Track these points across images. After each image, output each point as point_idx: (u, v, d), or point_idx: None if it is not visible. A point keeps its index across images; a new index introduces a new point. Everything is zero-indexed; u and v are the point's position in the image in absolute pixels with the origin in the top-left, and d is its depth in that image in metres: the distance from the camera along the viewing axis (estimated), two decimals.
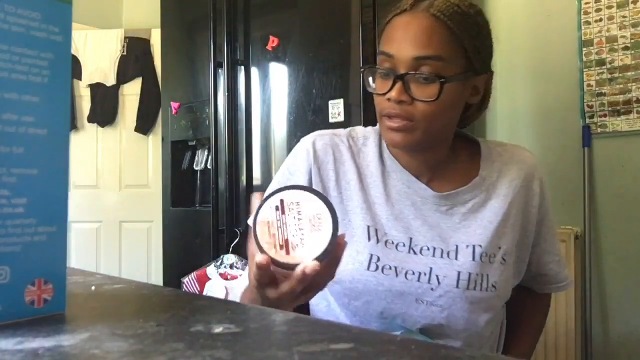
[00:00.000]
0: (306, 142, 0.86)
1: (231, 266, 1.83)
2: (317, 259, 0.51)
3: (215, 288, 1.84)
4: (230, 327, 0.35)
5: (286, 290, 0.55)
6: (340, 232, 0.55)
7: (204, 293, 1.84)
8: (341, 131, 0.89)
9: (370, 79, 0.80)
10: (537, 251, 0.91)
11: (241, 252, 1.96)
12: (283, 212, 0.53)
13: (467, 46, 0.76)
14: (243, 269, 1.81)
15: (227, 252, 1.91)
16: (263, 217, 0.53)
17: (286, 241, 0.52)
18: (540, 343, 1.91)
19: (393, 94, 0.74)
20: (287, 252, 0.52)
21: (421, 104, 0.74)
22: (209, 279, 1.86)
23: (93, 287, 0.49)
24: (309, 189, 0.55)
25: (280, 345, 0.32)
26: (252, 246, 0.55)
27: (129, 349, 0.31)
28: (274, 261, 0.52)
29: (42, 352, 0.30)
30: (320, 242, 0.52)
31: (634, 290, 1.88)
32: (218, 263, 1.86)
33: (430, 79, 0.73)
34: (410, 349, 0.31)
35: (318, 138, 0.86)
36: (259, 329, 0.35)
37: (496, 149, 0.89)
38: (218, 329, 0.34)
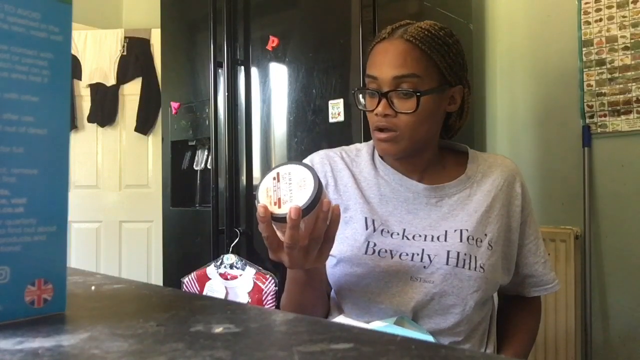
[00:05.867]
0: (305, 161, 0.97)
1: (231, 266, 1.83)
2: (303, 208, 0.65)
3: (215, 288, 1.84)
4: (230, 327, 0.35)
5: (287, 240, 0.67)
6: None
7: (204, 293, 1.84)
8: (334, 149, 1.02)
9: (361, 98, 0.93)
10: (523, 252, 0.98)
11: (241, 252, 1.96)
12: (278, 181, 0.68)
13: (439, 63, 0.88)
14: (243, 269, 1.81)
15: (227, 252, 1.90)
16: (263, 186, 0.69)
17: (279, 199, 0.67)
18: (540, 343, 1.91)
19: (379, 109, 0.87)
20: (279, 207, 0.67)
21: (404, 116, 0.86)
22: (209, 279, 1.86)
23: (93, 287, 0.49)
24: (300, 162, 0.70)
25: (280, 345, 0.32)
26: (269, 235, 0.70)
27: (129, 349, 0.30)
28: (272, 216, 0.67)
29: (42, 352, 0.30)
30: (305, 196, 0.66)
31: (634, 290, 1.88)
32: (218, 263, 1.86)
33: (409, 94, 0.86)
34: (410, 349, 0.31)
35: (315, 155, 1.00)
36: (259, 329, 0.35)
37: (482, 156, 1.00)
38: (218, 329, 0.34)
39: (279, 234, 0.70)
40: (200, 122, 2.18)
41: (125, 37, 3.01)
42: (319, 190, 0.67)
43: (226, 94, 2.01)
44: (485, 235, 0.90)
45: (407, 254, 0.88)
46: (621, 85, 1.89)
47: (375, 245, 0.89)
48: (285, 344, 0.33)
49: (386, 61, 0.87)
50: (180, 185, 2.34)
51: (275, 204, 0.67)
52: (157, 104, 2.76)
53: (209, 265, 1.88)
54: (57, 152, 0.38)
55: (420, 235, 0.90)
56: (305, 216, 0.66)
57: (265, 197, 0.68)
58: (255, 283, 1.77)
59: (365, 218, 0.91)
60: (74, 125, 3.01)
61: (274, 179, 0.69)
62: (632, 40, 1.86)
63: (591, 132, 1.96)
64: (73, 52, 2.90)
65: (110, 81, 3.02)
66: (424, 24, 0.90)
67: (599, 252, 1.95)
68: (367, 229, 0.91)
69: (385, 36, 0.90)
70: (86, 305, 0.43)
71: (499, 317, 1.05)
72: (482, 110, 2.26)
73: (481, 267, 0.87)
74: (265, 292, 1.75)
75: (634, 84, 1.86)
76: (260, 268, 1.80)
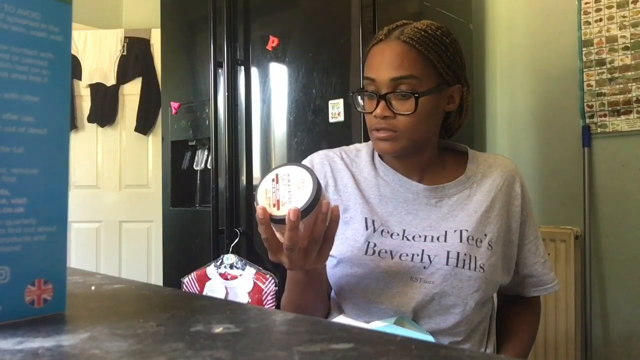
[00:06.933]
0: (305, 161, 0.99)
1: (231, 266, 1.83)
2: (302, 210, 0.65)
3: (215, 288, 1.84)
4: (230, 327, 0.35)
5: (287, 242, 0.67)
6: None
7: (204, 293, 1.84)
8: (334, 149, 1.02)
9: (360, 100, 0.93)
10: (522, 252, 0.98)
11: (241, 252, 1.96)
12: (277, 182, 0.68)
13: (436, 63, 0.87)
14: (243, 269, 1.81)
15: (227, 252, 1.90)
16: (262, 187, 0.69)
17: (278, 201, 0.67)
18: (540, 343, 1.91)
19: (378, 111, 0.87)
20: (278, 209, 0.67)
21: (402, 117, 0.86)
22: (209, 279, 1.86)
23: (93, 287, 0.49)
24: (298, 164, 0.70)
25: (280, 345, 0.32)
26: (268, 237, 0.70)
27: (129, 349, 0.31)
28: (271, 218, 0.67)
29: (42, 352, 0.30)
30: (303, 198, 0.66)
31: (634, 290, 1.88)
32: (218, 263, 1.86)
33: (407, 95, 0.86)
34: (410, 348, 0.31)
35: (315, 155, 1.00)
36: (259, 329, 0.35)
37: (481, 156, 1.00)
38: (218, 329, 0.34)
39: (278, 235, 0.70)
40: (200, 122, 2.18)
41: (125, 37, 3.01)
42: (318, 192, 0.67)
43: (226, 94, 2.01)
44: (485, 235, 0.90)
45: (407, 255, 0.88)
46: (621, 85, 1.89)
47: (375, 245, 0.89)
48: (285, 344, 0.33)
49: (383, 63, 0.87)
50: (180, 185, 2.34)
51: (274, 205, 0.67)
52: (157, 104, 2.76)
53: (209, 265, 1.88)
54: (57, 152, 0.38)
55: (420, 236, 0.90)
56: (304, 217, 0.66)
57: (264, 199, 0.68)
58: (255, 283, 1.77)
59: (365, 218, 0.91)
60: (74, 125, 3.01)
61: (273, 180, 0.69)
62: (632, 40, 1.86)
63: (591, 132, 1.96)
64: (73, 52, 2.90)
65: (110, 81, 3.02)
66: (420, 24, 0.90)
67: (599, 252, 1.95)
68: (367, 229, 0.91)
69: (382, 38, 0.90)
70: (86, 305, 0.43)
71: (499, 317, 1.05)
72: (482, 110, 2.26)
73: (481, 267, 0.87)
74: (265, 292, 1.75)
75: (634, 84, 1.86)
76: (260, 268, 1.80)
